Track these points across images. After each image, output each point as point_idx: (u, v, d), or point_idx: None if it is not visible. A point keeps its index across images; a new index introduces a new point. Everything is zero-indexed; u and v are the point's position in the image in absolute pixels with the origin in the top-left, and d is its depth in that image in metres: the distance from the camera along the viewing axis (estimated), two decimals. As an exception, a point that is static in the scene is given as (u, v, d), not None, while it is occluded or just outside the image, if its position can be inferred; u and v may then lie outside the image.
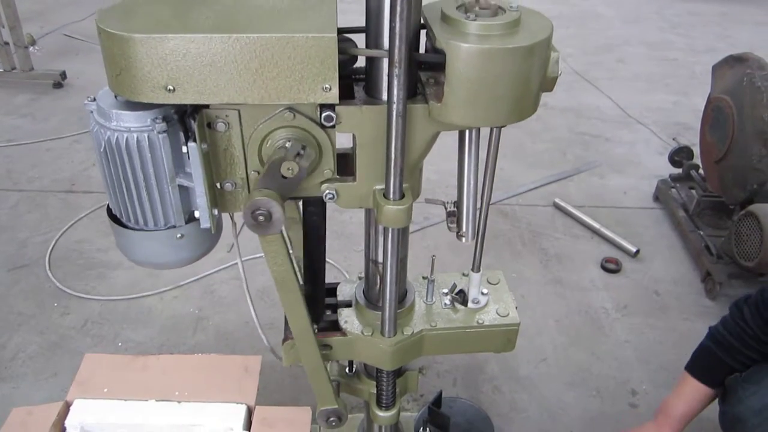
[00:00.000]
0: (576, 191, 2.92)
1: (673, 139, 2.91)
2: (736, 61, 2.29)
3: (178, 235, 0.99)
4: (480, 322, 1.27)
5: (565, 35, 4.96)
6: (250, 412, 1.47)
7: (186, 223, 0.99)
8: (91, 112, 0.93)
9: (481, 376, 1.94)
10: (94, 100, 0.92)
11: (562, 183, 2.98)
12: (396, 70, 0.86)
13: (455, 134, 1.05)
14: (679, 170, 2.77)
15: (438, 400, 1.60)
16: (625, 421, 1.81)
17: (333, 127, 0.94)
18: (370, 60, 0.97)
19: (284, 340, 1.26)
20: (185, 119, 0.92)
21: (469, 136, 1.03)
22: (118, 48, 0.82)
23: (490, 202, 1.12)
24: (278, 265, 1.02)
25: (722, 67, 2.38)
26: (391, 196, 0.99)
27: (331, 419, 1.34)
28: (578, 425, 1.80)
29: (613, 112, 3.70)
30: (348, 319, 1.27)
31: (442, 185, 2.86)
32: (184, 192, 0.97)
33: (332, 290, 1.35)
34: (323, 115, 0.91)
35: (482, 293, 1.32)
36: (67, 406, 1.44)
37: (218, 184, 0.99)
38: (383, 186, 1.01)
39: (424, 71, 0.96)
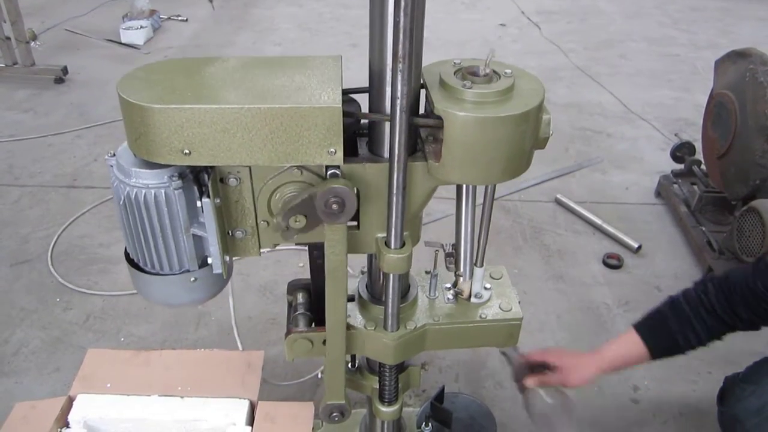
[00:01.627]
0: (578, 187, 2.92)
1: (675, 135, 2.90)
2: (738, 56, 2.29)
3: (192, 279, 1.05)
4: (483, 316, 1.27)
5: (566, 31, 4.95)
6: (252, 408, 1.47)
7: (199, 267, 1.05)
8: (111, 166, 0.98)
9: (483, 371, 1.94)
10: (114, 155, 0.98)
11: (563, 179, 2.98)
12: (397, 137, 0.91)
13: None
14: (681, 166, 2.77)
15: (440, 396, 1.60)
16: (625, 417, 1.81)
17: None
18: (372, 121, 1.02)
19: (287, 334, 1.26)
20: (200, 175, 0.98)
21: (466, 189, 1.12)
22: (138, 115, 0.87)
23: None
24: (336, 255, 1.05)
25: (725, 63, 2.38)
26: (393, 245, 1.05)
27: (334, 414, 1.34)
28: (581, 420, 1.80)
29: (615, 108, 3.69)
30: (351, 313, 1.27)
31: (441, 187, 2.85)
32: (198, 240, 1.03)
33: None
34: (329, 173, 0.97)
35: (485, 288, 1.32)
36: (70, 401, 1.44)
37: (230, 232, 1.05)
38: (384, 234, 1.07)
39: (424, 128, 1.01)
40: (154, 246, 1.01)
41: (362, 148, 1.06)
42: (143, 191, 0.95)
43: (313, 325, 1.29)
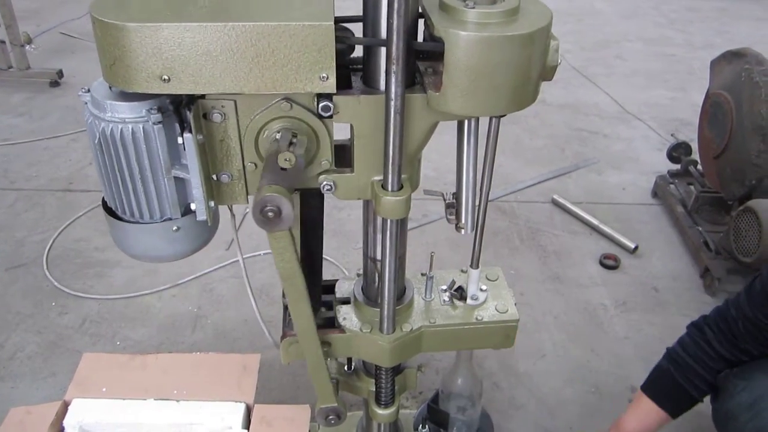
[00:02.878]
0: (574, 187, 2.92)
1: (672, 135, 2.91)
2: (734, 56, 2.29)
3: (174, 228, 0.98)
4: (479, 318, 1.27)
5: (562, 31, 4.95)
6: (248, 411, 1.46)
7: (182, 215, 0.99)
8: (86, 103, 0.92)
9: (480, 372, 1.93)
10: (89, 91, 0.92)
11: (560, 179, 2.98)
12: (393, 66, 0.86)
13: (453, 130, 1.05)
14: (678, 166, 2.77)
15: (437, 398, 1.59)
16: (624, 417, 1.81)
17: (330, 117, 0.93)
18: (367, 49, 0.96)
19: (282, 337, 1.26)
20: (181, 110, 0.91)
21: (468, 126, 1.02)
22: (112, 37, 0.81)
23: (489, 199, 1.12)
24: (285, 262, 1.01)
25: (720, 63, 2.38)
26: (390, 187, 0.99)
27: (330, 417, 1.34)
28: (577, 421, 1.80)
29: (611, 109, 3.69)
30: (347, 316, 1.26)
31: (440, 182, 2.85)
32: (180, 184, 0.96)
33: (331, 287, 1.34)
34: (320, 105, 0.91)
35: (481, 290, 1.31)
36: (65, 406, 1.44)
37: (215, 176, 0.98)
38: (381, 177, 1.00)
39: (423, 61, 0.96)
40: (133, 189, 0.94)
41: (356, 83, 0.99)
42: (119, 126, 0.88)
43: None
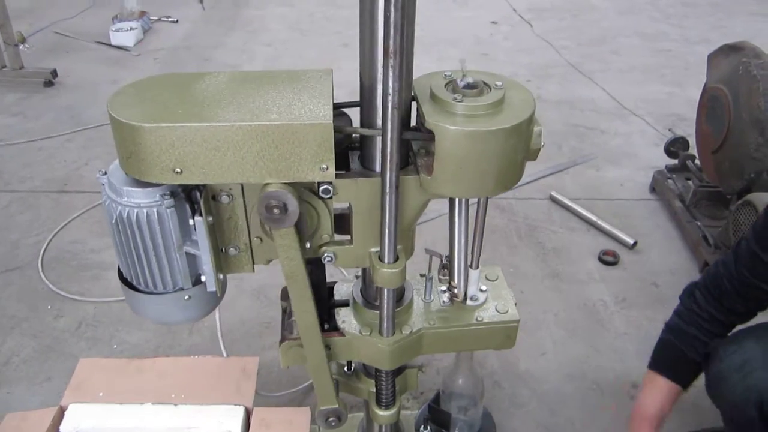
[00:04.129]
0: (572, 184, 2.91)
1: (669, 130, 2.90)
2: (731, 49, 2.28)
3: (186, 297, 1.05)
4: (479, 319, 1.26)
5: (559, 27, 4.94)
6: (248, 414, 1.45)
7: (193, 285, 1.05)
8: (103, 185, 0.98)
9: (481, 371, 1.92)
10: (105, 173, 0.98)
11: (558, 176, 2.97)
12: (388, 157, 0.92)
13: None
14: (676, 161, 2.76)
15: (438, 398, 1.58)
16: (625, 414, 1.80)
17: (330, 198, 1.01)
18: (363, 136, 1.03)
19: (281, 341, 1.24)
20: (191, 193, 0.98)
21: (459, 202, 1.11)
22: (128, 135, 0.87)
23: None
24: (290, 260, 1.04)
25: (717, 56, 2.37)
26: (386, 259, 1.05)
27: (331, 419, 1.32)
28: (579, 418, 1.79)
29: (608, 104, 3.68)
30: (346, 318, 1.25)
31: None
32: (191, 258, 1.02)
33: (329, 290, 1.33)
34: (321, 188, 0.99)
35: (481, 290, 1.30)
36: (61, 411, 1.42)
37: (222, 249, 1.06)
38: (377, 248, 1.06)
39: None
40: (147, 265, 1.00)
41: (354, 162, 1.07)
42: (135, 210, 0.95)
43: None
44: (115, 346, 1.98)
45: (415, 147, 1.02)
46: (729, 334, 1.48)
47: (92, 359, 1.57)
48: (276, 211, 0.95)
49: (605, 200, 2.79)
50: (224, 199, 1.00)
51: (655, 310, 2.16)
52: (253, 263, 1.10)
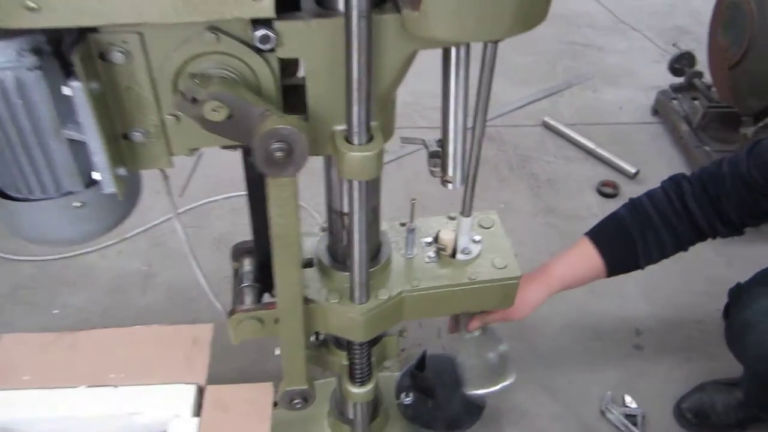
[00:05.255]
0: (567, 108, 2.65)
1: (673, 45, 2.62)
2: (753, -53, 1.97)
3: (77, 204, 0.80)
4: (472, 278, 1.03)
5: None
6: (200, 393, 1.23)
7: (86, 187, 0.79)
8: None
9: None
10: None
11: (551, 99, 2.70)
12: None
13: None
14: (681, 79, 2.50)
15: (422, 362, 1.38)
16: (629, 366, 1.62)
17: (272, 50, 0.71)
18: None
19: (231, 313, 1.01)
20: (64, 50, 0.69)
21: (457, 56, 0.80)
22: None
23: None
24: (284, 216, 0.81)
25: (736, -43, 2.06)
26: (356, 139, 0.77)
27: (296, 402, 1.11)
28: (578, 374, 1.60)
29: (605, 18, 3.37)
30: (309, 282, 1.01)
31: (417, 108, 2.56)
32: (78, 148, 0.75)
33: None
34: (258, 34, 0.69)
35: (474, 241, 1.07)
36: (-23, 401, 1.19)
37: (124, 134, 0.77)
38: (344, 126, 0.78)
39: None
40: (14, 158, 0.74)
41: (307, 2, 0.76)
42: None
43: (263, 298, 1.05)
44: (55, 311, 1.74)
45: None
46: (751, 276, 1.27)
47: (15, 335, 1.33)
48: (279, 155, 0.70)
49: (603, 125, 2.54)
50: (117, 56, 0.70)
51: (662, 247, 1.95)
52: (170, 152, 0.81)
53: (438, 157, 0.91)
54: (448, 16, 0.65)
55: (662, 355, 1.65)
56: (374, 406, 1.31)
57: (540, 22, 0.71)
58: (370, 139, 0.78)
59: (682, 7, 3.44)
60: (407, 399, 1.36)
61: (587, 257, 1.23)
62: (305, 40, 0.71)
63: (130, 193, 0.83)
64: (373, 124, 0.79)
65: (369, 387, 1.15)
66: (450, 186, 0.92)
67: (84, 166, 0.77)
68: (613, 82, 2.80)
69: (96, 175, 0.76)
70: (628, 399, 1.51)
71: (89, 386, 1.23)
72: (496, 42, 0.76)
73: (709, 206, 1.17)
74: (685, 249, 1.23)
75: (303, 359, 1.04)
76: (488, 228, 1.11)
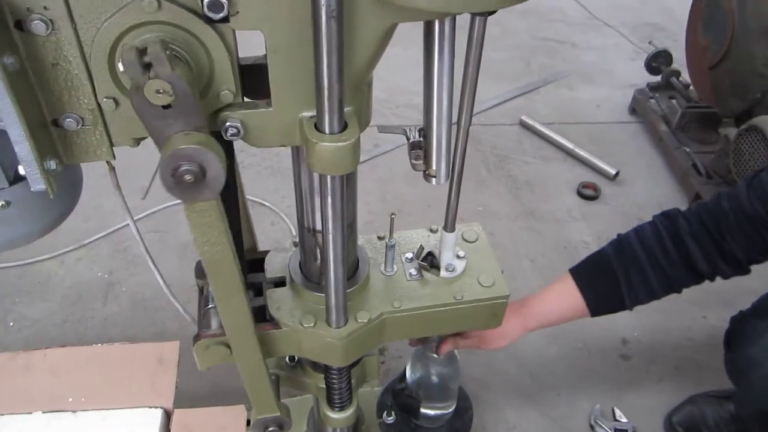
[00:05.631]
0: (543, 106, 2.60)
1: (649, 43, 2.59)
2: (732, -55, 1.94)
3: (1, 204, 0.69)
4: (458, 297, 0.96)
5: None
6: (167, 417, 1.16)
7: (11, 183, 0.69)
8: None
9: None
10: None
11: (527, 97, 2.65)
12: None
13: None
14: (658, 78, 2.47)
15: (405, 378, 1.31)
16: (616, 377, 1.58)
17: (226, 20, 0.60)
18: None
19: (197, 338, 0.93)
20: None
21: (441, 30, 0.69)
22: None
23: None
24: (211, 244, 0.71)
25: (715, -46, 2.03)
26: (327, 127, 0.67)
27: (271, 429, 1.04)
28: (565, 385, 1.56)
29: (578, 14, 3.33)
30: (281, 304, 0.94)
31: (390, 106, 2.49)
32: (1, 139, 0.62)
33: (258, 262, 1.01)
34: (208, 2, 0.57)
35: (458, 257, 1.00)
36: None
37: (54, 121, 0.65)
38: (313, 112, 0.68)
39: None
40: None
41: None
42: None
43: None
44: (11, 324, 1.63)
45: None
46: (753, 303, 1.24)
47: (-37, 356, 1.23)
48: (188, 177, 0.61)
49: (581, 124, 2.50)
50: (37, 26, 0.58)
51: (643, 250, 1.92)
52: (111, 144, 0.69)
53: (420, 148, 0.81)
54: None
55: (650, 364, 1.62)
56: (354, 428, 1.24)
57: None
58: (344, 127, 0.68)
59: (654, 4, 3.41)
60: (389, 418, 1.30)
61: (569, 296, 1.18)
62: (265, 8, 0.60)
63: (66, 190, 0.72)
64: (347, 109, 0.68)
65: (349, 412, 1.08)
66: (434, 181, 0.83)
67: (7, 159, 0.65)
68: (589, 80, 2.77)
69: (21, 170, 0.65)
70: (617, 413, 1.47)
71: (45, 411, 1.14)
72: (487, 15, 0.65)
73: (710, 244, 1.10)
74: (677, 291, 1.17)
75: (268, 387, 0.97)
76: (472, 242, 1.05)
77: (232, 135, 0.69)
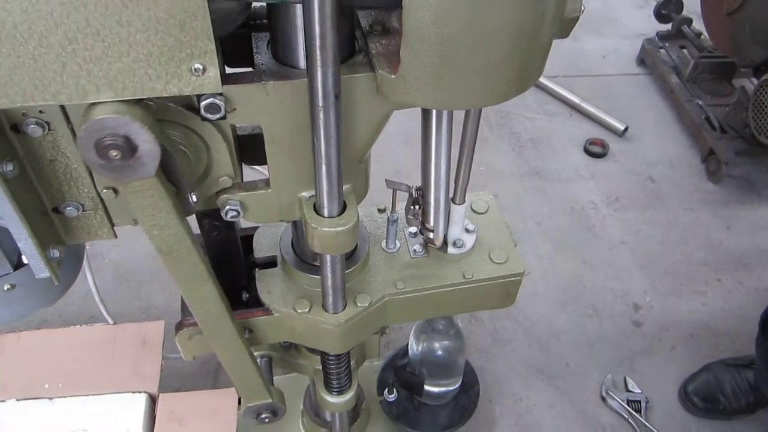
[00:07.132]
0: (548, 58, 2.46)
1: (659, -12, 2.45)
2: None
3: (6, 287, 0.73)
4: (468, 275, 0.87)
5: None
6: (152, 403, 1.08)
7: (15, 269, 0.72)
8: None
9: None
10: None
11: (530, 48, 2.51)
12: (317, 32, 0.51)
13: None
14: (668, 26, 2.33)
15: (407, 352, 1.24)
16: (628, 345, 1.51)
17: (223, 118, 0.59)
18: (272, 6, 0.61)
19: (178, 327, 0.84)
20: None
21: (438, 119, 0.71)
22: None
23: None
24: (161, 228, 0.65)
25: None
26: (326, 211, 0.67)
27: (264, 416, 0.96)
28: (574, 355, 1.49)
29: (583, -41, 3.15)
30: (272, 288, 0.85)
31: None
32: (2, 230, 0.65)
33: (246, 239, 0.91)
34: (203, 103, 0.57)
35: (467, 230, 0.91)
36: None
37: (56, 209, 0.67)
38: (312, 192, 0.68)
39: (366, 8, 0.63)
40: None
41: (261, 54, 0.64)
42: None
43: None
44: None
45: (364, 23, 0.62)
46: None
47: (-70, 340, 1.14)
48: (115, 153, 0.53)
49: (587, 77, 2.38)
50: (34, 130, 0.58)
51: (654, 211, 1.83)
52: (112, 225, 0.70)
53: (418, 204, 0.83)
54: (431, 83, 0.55)
55: (663, 331, 1.55)
56: (354, 405, 1.17)
57: (534, 82, 0.62)
58: (343, 208, 0.67)
59: (666, -53, 3.24)
60: (391, 396, 1.23)
61: None
62: (262, 105, 0.60)
63: (69, 267, 0.74)
64: (346, 187, 0.68)
65: (348, 396, 1.01)
66: (431, 235, 0.85)
67: (11, 247, 0.69)
68: (594, 30, 2.63)
69: (25, 259, 0.66)
70: (630, 383, 1.41)
71: (20, 399, 1.06)
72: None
73: None
74: None
75: (255, 375, 0.89)
76: (482, 213, 0.95)
77: (232, 217, 0.69)
